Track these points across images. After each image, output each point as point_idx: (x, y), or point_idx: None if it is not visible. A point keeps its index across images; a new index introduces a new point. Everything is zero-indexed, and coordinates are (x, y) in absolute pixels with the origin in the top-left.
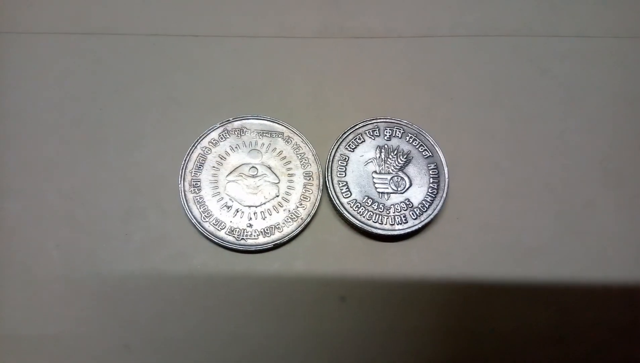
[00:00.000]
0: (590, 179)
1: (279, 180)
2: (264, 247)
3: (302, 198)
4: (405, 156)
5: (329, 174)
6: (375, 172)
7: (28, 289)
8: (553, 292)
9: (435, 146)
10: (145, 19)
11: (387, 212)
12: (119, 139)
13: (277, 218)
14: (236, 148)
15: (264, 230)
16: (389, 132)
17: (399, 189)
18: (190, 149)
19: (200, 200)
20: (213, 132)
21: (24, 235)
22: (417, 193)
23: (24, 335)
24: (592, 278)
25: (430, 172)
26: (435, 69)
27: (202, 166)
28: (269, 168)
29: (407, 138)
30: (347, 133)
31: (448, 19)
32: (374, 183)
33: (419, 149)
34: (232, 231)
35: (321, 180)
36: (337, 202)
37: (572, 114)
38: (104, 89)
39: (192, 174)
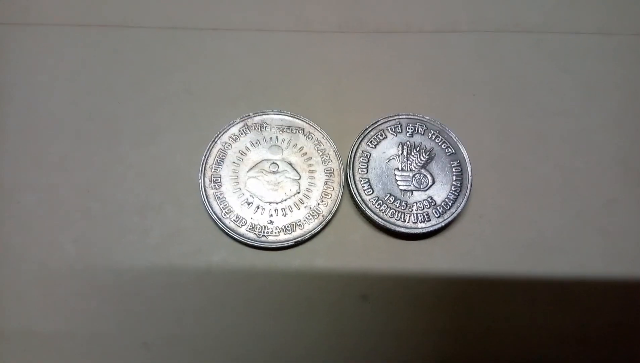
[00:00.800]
0: (612, 177)
1: (300, 176)
2: (285, 244)
3: (323, 195)
4: (428, 153)
5: (351, 170)
6: (397, 169)
7: (44, 285)
8: (575, 290)
9: (458, 143)
10: (163, 11)
11: (410, 210)
12: (135, 133)
13: (298, 214)
14: (257, 143)
15: (285, 227)
16: (412, 129)
17: (421, 186)
18: (211, 144)
19: (221, 196)
20: (233, 128)
21: (40, 230)
22: (440, 191)
23: (39, 331)
24: (614, 276)
25: (454, 169)
26: (457, 64)
27: (223, 161)
28: (290, 164)
29: (430, 134)
30: (369, 129)
31: (469, 14)
32: (396, 180)
33: (442, 146)
34: (253, 227)
35: (342, 177)
36: (359, 199)
37: (593, 112)
38: (121, 83)
39: (213, 170)
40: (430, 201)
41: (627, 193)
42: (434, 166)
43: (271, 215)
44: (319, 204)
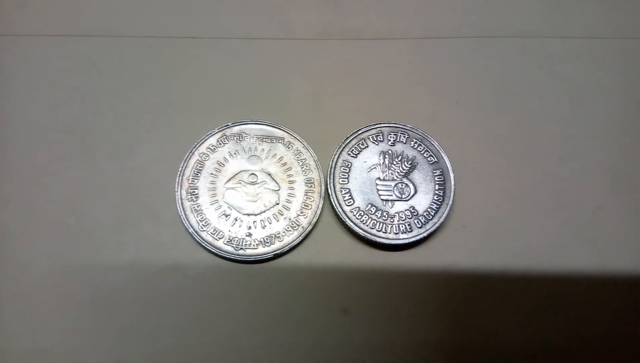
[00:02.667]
0: (600, 184)
1: (280, 187)
2: (264, 257)
3: (303, 206)
4: (410, 162)
5: (331, 181)
6: (379, 179)
7: (17, 301)
8: (562, 301)
9: (440, 152)
10: (142, 20)
11: (391, 220)
12: (113, 145)
13: (278, 226)
14: (235, 153)
15: (263, 240)
16: (393, 137)
17: (403, 196)
18: (188, 156)
19: (198, 208)
20: (211, 138)
21: (14, 245)
22: (423, 201)
23: (12, 348)
24: (602, 285)
25: (436, 178)
26: (440, 71)
27: (200, 172)
28: (269, 174)
29: (412, 143)
30: (350, 138)
31: (453, 19)
32: (378, 190)
33: (424, 154)
34: (231, 240)
35: (323, 187)
36: (340, 210)
37: (580, 118)
38: (98, 93)
39: (190, 182)
40: (413, 211)
41: (616, 200)
42: (416, 175)
43: (249, 227)
44: (298, 215)
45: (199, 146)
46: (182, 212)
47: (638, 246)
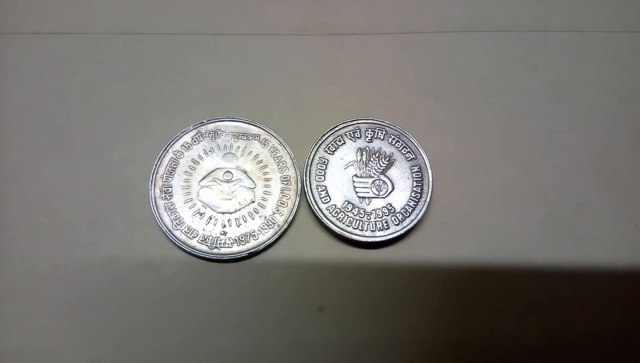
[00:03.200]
0: (582, 180)
1: (255, 185)
2: (239, 256)
3: (279, 204)
4: (387, 159)
5: (308, 178)
6: (355, 176)
7: None
8: (542, 299)
9: (418, 148)
10: (116, 16)
11: (368, 218)
12: (86, 143)
13: (253, 225)
14: (210, 151)
15: (238, 238)
16: (371, 134)
17: (380, 193)
18: (162, 153)
19: (172, 207)
20: (186, 135)
21: None
22: (400, 198)
23: None
24: (584, 283)
25: (414, 175)
26: (420, 66)
27: (174, 171)
28: (245, 172)
29: (390, 139)
30: (327, 135)
31: (433, 14)
32: (355, 187)
33: (402, 151)
34: (205, 239)
35: (299, 185)
36: (316, 208)
37: (563, 112)
38: (72, 91)
39: (164, 180)
40: (390, 208)
41: (598, 196)
42: (394, 172)
43: (224, 226)
44: (274, 213)
45: (174, 143)
46: (156, 211)
47: (620, 243)
